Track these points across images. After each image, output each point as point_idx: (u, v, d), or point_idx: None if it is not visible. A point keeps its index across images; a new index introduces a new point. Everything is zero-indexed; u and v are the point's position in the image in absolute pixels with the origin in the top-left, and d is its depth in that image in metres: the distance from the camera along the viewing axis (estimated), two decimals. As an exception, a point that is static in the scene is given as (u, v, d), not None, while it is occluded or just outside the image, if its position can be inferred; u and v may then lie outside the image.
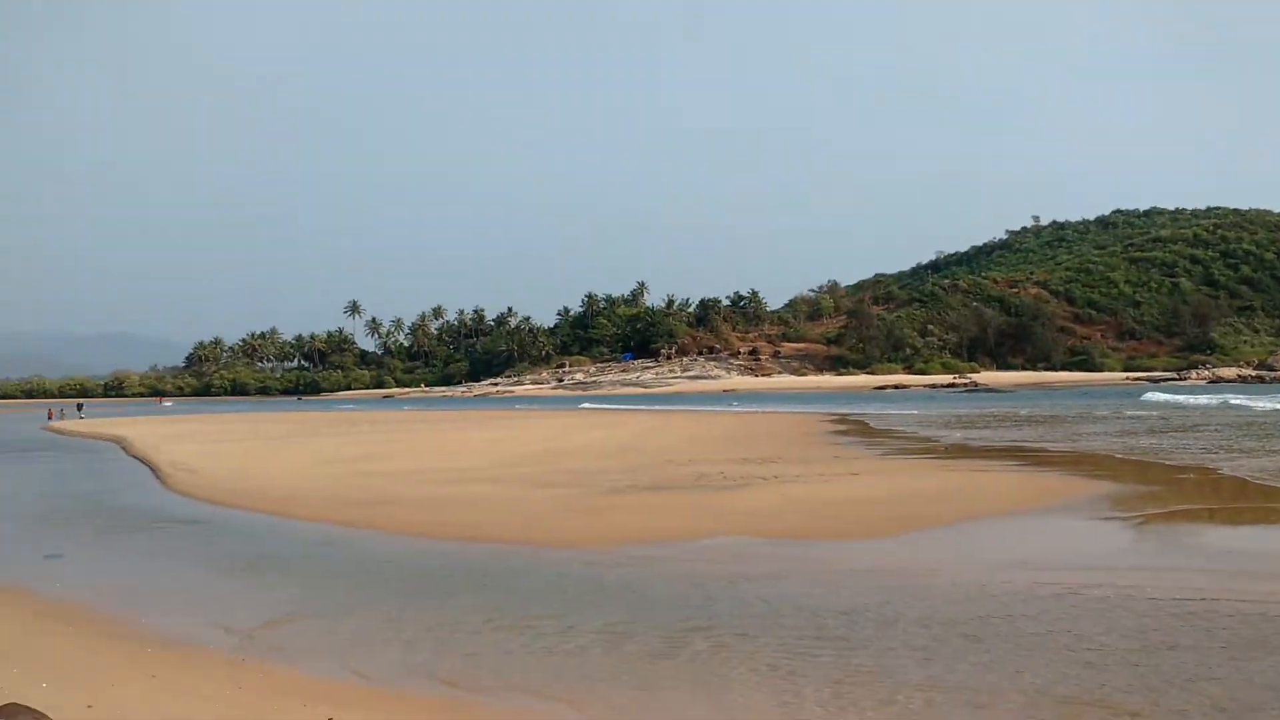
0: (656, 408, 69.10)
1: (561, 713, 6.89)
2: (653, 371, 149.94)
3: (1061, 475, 19.60)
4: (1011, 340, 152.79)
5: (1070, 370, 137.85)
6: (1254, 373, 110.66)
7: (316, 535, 14.75)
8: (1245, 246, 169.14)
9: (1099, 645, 7.87)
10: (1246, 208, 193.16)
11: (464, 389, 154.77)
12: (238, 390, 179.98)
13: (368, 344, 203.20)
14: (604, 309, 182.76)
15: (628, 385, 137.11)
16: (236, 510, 17.82)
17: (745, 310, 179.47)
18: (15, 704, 5.67)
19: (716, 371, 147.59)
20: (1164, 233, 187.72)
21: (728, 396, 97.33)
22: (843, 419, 45.32)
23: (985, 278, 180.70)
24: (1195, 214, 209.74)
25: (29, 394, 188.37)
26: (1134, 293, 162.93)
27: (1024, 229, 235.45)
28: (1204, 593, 9.45)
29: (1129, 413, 43.35)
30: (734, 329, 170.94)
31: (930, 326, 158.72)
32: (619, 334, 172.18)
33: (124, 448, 36.37)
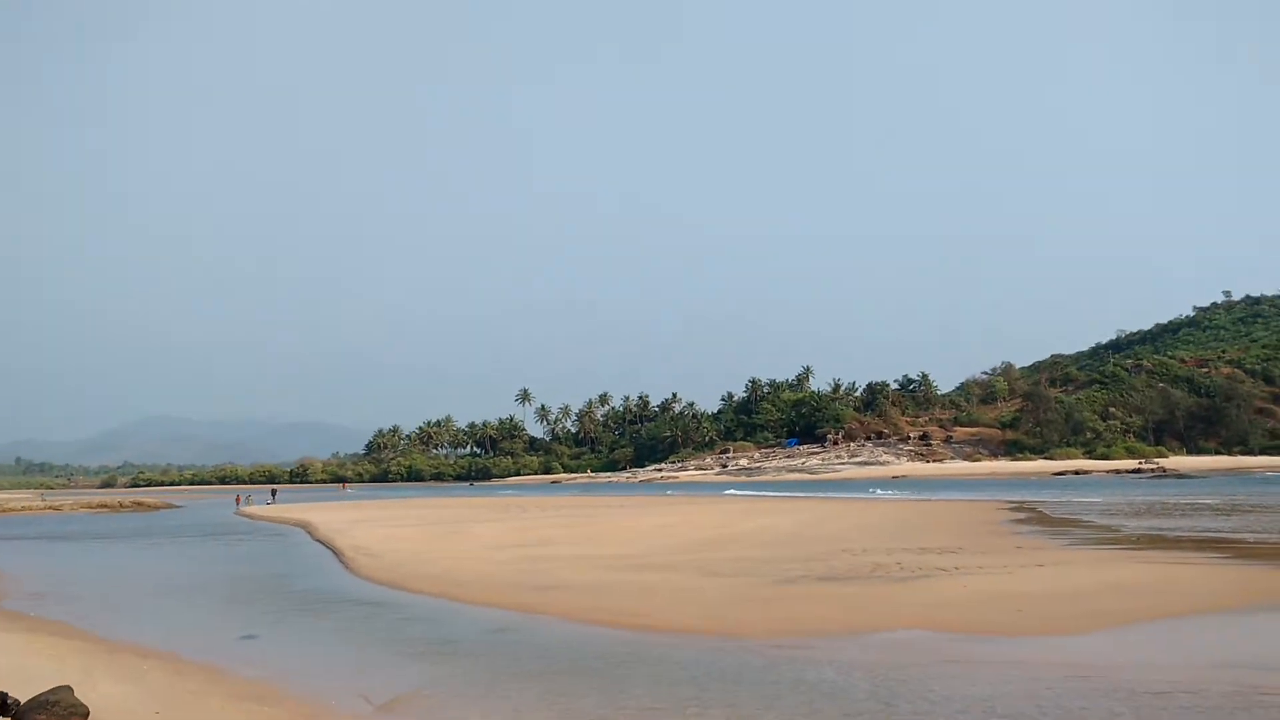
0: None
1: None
2: (819, 457, 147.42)
3: (1267, 569, 18.14)
4: (1202, 423, 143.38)
5: (1270, 455, 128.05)
6: None
7: (492, 621, 14.96)
8: None
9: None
10: None
11: (628, 475, 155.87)
12: (413, 476, 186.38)
13: (536, 430, 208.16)
14: (768, 394, 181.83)
15: (793, 471, 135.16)
16: (416, 595, 18.30)
17: (914, 394, 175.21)
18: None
19: (885, 457, 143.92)
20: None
21: (897, 482, 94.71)
22: (1021, 506, 43.35)
23: (1172, 357, 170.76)
24: None
25: (223, 480, 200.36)
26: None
27: (1214, 305, 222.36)
28: None
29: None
30: (903, 413, 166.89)
31: (1112, 409, 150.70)
32: (783, 419, 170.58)
33: (309, 532, 38.06)
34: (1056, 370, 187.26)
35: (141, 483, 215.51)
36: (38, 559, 30.79)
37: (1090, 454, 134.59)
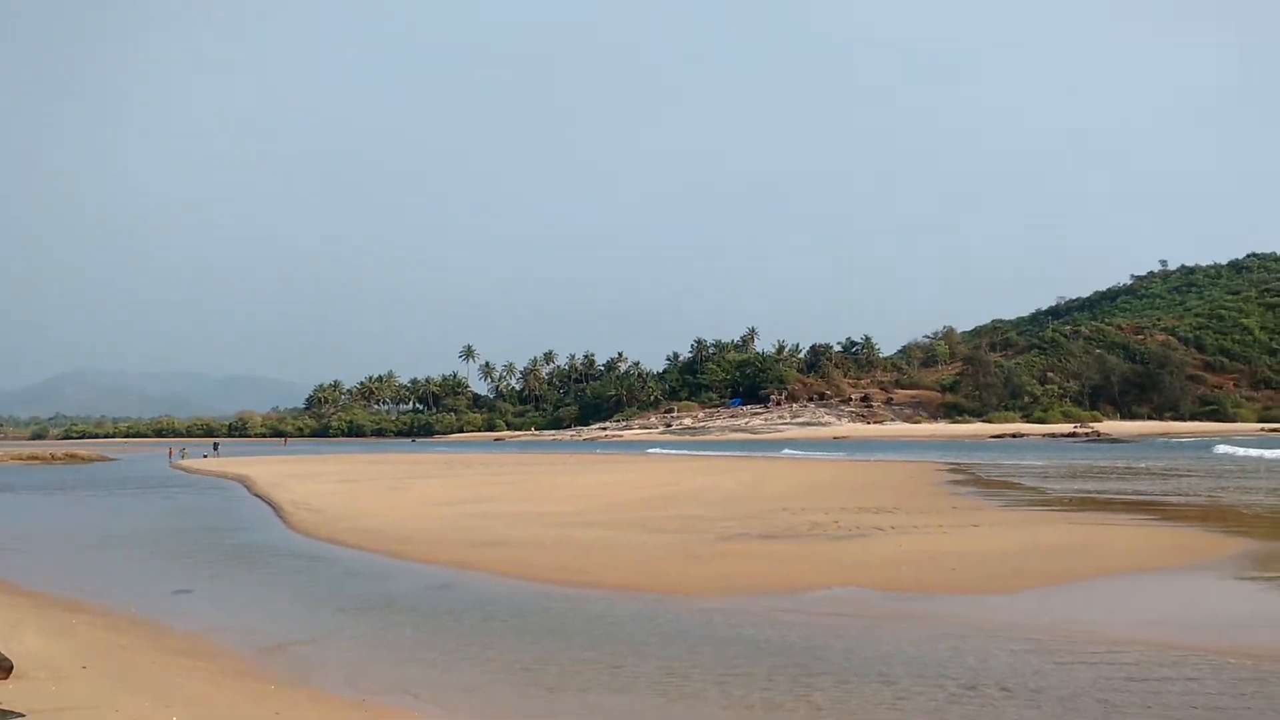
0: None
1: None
2: (762, 418, 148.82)
3: (1193, 530, 18.65)
4: (1137, 389, 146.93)
5: (1200, 420, 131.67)
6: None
7: (432, 576, 14.92)
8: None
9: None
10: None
11: (572, 433, 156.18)
12: (354, 432, 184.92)
13: (480, 388, 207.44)
14: (713, 355, 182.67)
15: (736, 431, 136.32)
16: (356, 550, 18.19)
17: (857, 356, 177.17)
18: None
19: (827, 418, 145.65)
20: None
21: (838, 443, 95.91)
22: (959, 468, 44.12)
23: (1109, 324, 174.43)
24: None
25: (159, 433, 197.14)
26: (1270, 340, 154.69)
27: (1150, 274, 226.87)
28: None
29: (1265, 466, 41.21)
30: (845, 375, 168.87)
31: (1050, 374, 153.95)
32: (728, 380, 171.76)
33: (247, 486, 37.63)
34: (997, 335, 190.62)
35: (75, 435, 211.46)
36: (-35, 511, 30.09)
37: (1028, 418, 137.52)
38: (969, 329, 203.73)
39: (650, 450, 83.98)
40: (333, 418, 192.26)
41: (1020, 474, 38.82)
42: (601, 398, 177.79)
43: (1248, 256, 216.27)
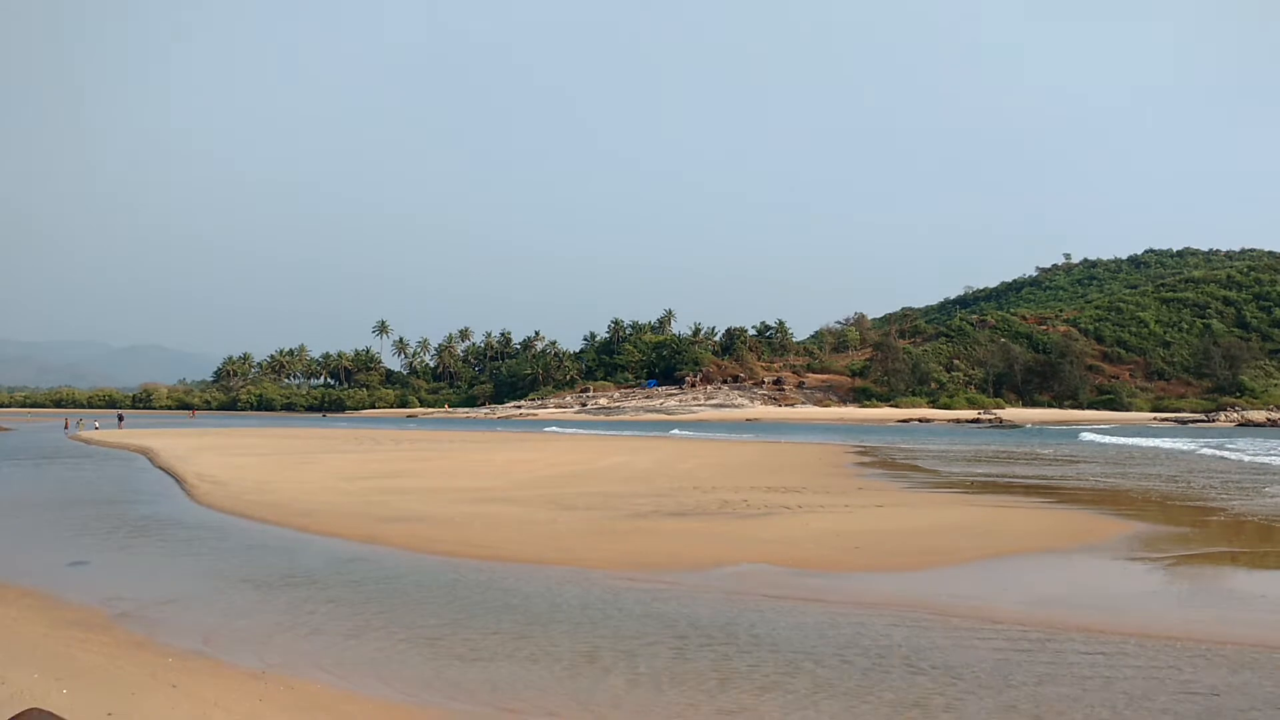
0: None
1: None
2: (676, 399, 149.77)
3: (1087, 513, 19.34)
4: (1038, 378, 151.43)
5: (1097, 409, 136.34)
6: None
7: (339, 550, 14.74)
8: (1279, 289, 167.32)
9: (1142, 693, 7.74)
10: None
11: (487, 410, 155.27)
12: (264, 406, 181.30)
13: (394, 364, 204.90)
14: (630, 335, 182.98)
15: (651, 412, 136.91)
16: (261, 523, 17.86)
17: (771, 340, 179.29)
18: (36, 709, 5.66)
19: (740, 400, 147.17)
20: (1196, 273, 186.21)
21: (750, 425, 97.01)
22: (866, 450, 45.02)
23: (1014, 314, 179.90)
24: (1229, 255, 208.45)
25: (58, 404, 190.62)
26: (1164, 333, 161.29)
27: (1055, 266, 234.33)
28: (1244, 636, 9.30)
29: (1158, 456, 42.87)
30: (759, 359, 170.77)
31: (956, 361, 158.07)
32: (644, 360, 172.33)
33: (151, 458, 36.65)
34: (906, 322, 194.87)
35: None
36: None
37: (934, 403, 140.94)
38: (879, 316, 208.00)
39: (553, 429, 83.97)
40: (242, 391, 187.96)
41: (925, 457, 39.77)
42: (517, 376, 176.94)
43: (1146, 252, 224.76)
